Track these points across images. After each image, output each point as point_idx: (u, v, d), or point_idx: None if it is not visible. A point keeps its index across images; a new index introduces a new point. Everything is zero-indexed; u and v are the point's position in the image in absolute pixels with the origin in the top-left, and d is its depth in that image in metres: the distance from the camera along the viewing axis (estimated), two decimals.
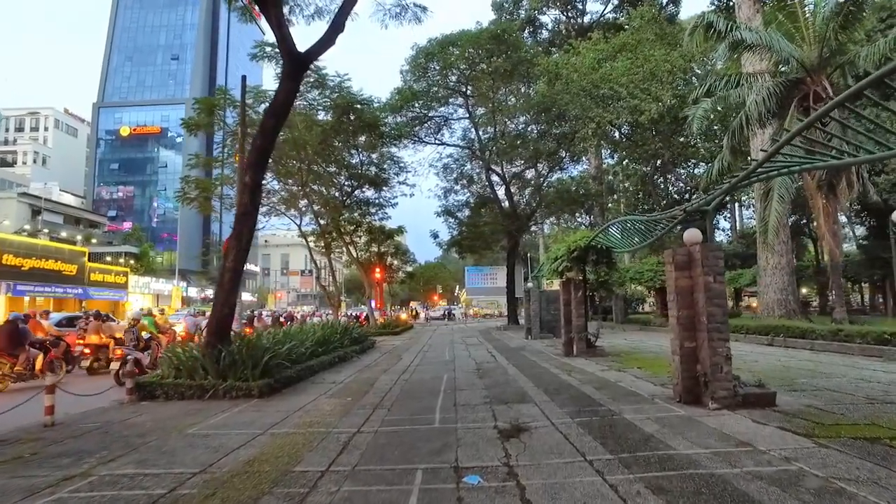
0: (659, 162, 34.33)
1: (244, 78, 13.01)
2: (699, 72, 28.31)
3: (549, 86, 28.35)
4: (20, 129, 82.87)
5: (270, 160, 22.08)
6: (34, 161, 78.11)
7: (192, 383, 8.72)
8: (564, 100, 26.67)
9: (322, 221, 25.01)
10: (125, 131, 77.00)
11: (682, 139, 32.26)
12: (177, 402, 8.41)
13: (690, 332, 6.85)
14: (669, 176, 36.07)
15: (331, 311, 45.38)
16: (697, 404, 6.59)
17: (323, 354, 12.96)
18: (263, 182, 23.13)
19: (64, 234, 39.41)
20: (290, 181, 22.36)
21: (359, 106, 19.68)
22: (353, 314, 38.16)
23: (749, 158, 13.15)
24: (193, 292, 68.98)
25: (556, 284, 36.48)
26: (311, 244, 27.15)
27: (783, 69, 17.48)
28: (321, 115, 20.30)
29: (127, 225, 73.13)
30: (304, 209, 24.05)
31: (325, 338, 13.87)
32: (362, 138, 23.93)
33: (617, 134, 37.33)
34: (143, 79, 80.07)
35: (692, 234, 7.14)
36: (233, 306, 9.57)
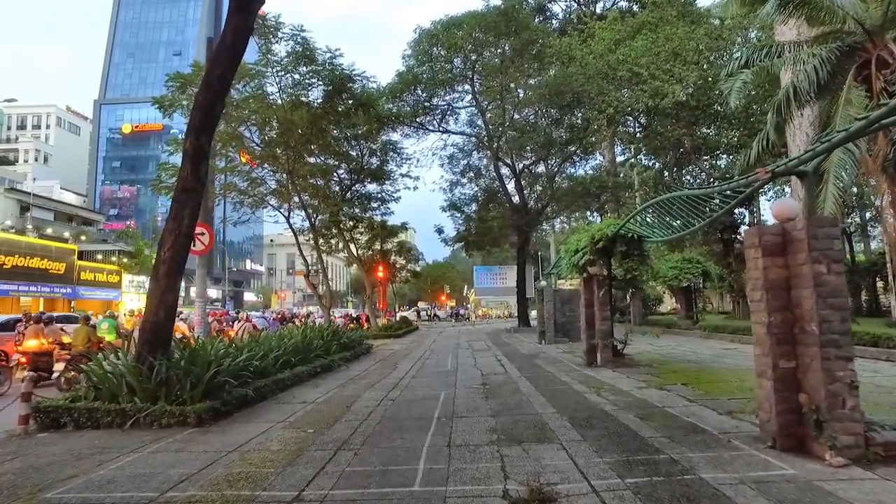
0: (680, 151, 32.09)
1: (210, 40, 11.02)
2: (727, 51, 25.95)
3: (563, 68, 26.15)
4: (22, 127, 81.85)
5: (255, 145, 20.37)
6: (36, 159, 76.99)
7: (111, 407, 6.72)
8: (579, 81, 24.45)
9: (311, 212, 22.91)
10: (127, 129, 75.58)
11: (705, 129, 30.05)
12: (87, 434, 6.42)
13: (788, 345, 4.72)
14: (690, 167, 33.71)
15: (344, 313, 43.57)
16: (804, 453, 4.46)
17: (300, 364, 10.93)
18: (251, 170, 21.34)
19: (50, 231, 37.72)
20: (275, 168, 20.34)
21: (351, 84, 17.56)
22: (354, 315, 36.16)
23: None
24: (194, 291, 67.60)
25: (572, 283, 34.18)
26: (304, 240, 25.12)
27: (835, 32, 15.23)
28: (313, 96, 18.26)
29: (131, 224, 71.71)
30: (293, 203, 22.01)
31: (306, 344, 11.83)
32: (360, 128, 21.86)
33: (633, 124, 35.20)
34: (145, 75, 78.55)
35: (786, 207, 5.02)
36: (171, 307, 7.55)
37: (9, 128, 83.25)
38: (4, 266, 30.02)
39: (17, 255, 30.86)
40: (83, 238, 36.06)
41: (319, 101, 18.40)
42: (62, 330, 13.37)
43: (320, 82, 17.61)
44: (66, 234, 38.41)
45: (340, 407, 7.79)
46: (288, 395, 8.94)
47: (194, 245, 11.26)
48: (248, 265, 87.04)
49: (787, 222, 4.90)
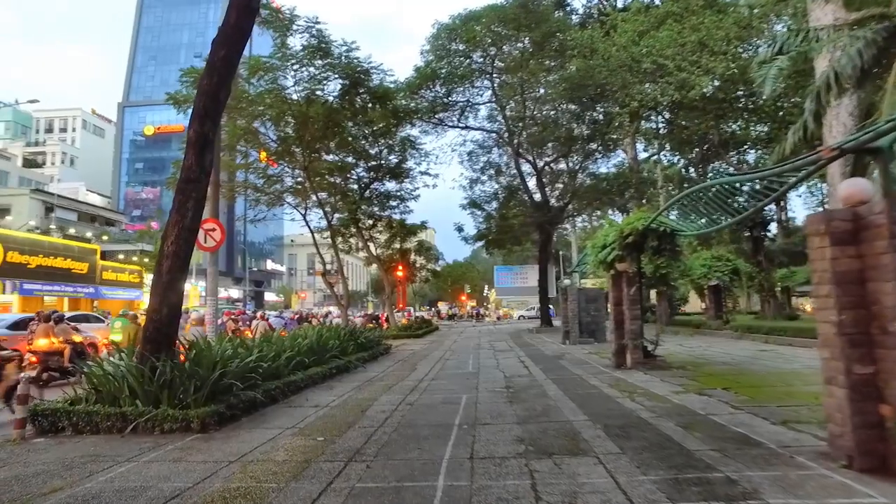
0: (706, 146, 31.05)
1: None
2: (757, 40, 24.93)
3: (585, 61, 25.36)
4: (49, 131, 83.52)
5: (270, 140, 19.97)
6: (62, 162, 78.55)
7: (111, 411, 6.32)
8: (602, 74, 23.68)
9: (328, 210, 22.48)
10: (149, 130, 76.41)
11: (732, 122, 29.00)
12: (85, 439, 6.02)
13: (864, 348, 4.08)
14: (717, 163, 32.61)
15: (362, 313, 43.27)
16: (890, 475, 3.82)
17: (315, 366, 10.49)
18: (266, 167, 20.96)
19: (72, 231, 38.09)
20: (292, 165, 19.95)
21: (367, 77, 17.03)
22: (374, 315, 35.79)
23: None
24: (220, 292, 68.01)
25: (597, 281, 33.33)
26: (321, 238, 24.75)
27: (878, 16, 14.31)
28: (329, 89, 17.79)
29: (155, 225, 72.53)
30: (310, 202, 21.59)
31: (321, 344, 11.39)
32: (378, 125, 21.33)
33: (657, 119, 34.19)
34: (166, 78, 79.11)
35: (857, 188, 4.38)
36: (175, 304, 7.14)
37: (37, 131, 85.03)
38: (29, 266, 30.29)
39: (40, 255, 31.11)
40: (105, 238, 36.27)
41: (335, 95, 17.97)
42: (75, 329, 13.17)
43: (336, 76, 17.18)
44: (89, 234, 38.72)
45: (354, 411, 7.31)
46: (300, 399, 8.49)
47: (205, 241, 10.93)
48: (269, 265, 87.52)
49: (860, 206, 4.25)
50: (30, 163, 74.55)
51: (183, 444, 5.73)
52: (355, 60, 16.84)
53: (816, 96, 13.76)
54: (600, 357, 13.60)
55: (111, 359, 7.34)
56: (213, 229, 10.87)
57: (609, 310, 12.03)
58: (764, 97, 16.21)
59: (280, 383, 8.42)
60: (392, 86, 20.25)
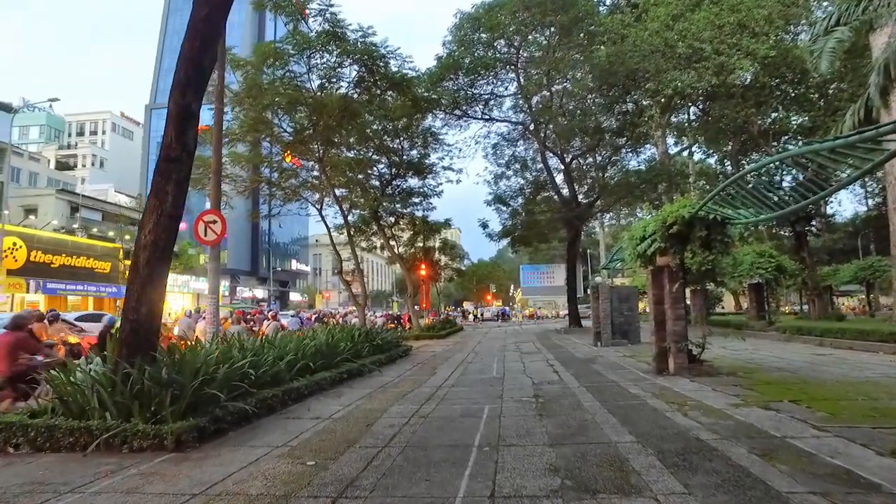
0: (743, 138, 29.27)
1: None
2: (803, 17, 23.26)
3: (615, 46, 23.98)
4: (80, 134, 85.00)
5: (283, 131, 19.04)
6: (92, 164, 79.81)
7: (74, 425, 5.44)
8: (634, 59, 22.30)
9: (346, 206, 21.60)
10: None
11: (773, 111, 27.26)
12: (40, 459, 5.16)
13: None
14: (755, 155, 30.74)
15: (382, 313, 42.42)
16: None
17: (323, 370, 9.56)
18: (281, 160, 20.00)
19: (95, 231, 38.13)
20: (306, 157, 19.09)
21: (381, 63, 15.98)
22: (396, 315, 34.92)
23: None
24: (245, 292, 68.19)
25: (631, 278, 31.75)
26: (341, 237, 23.91)
27: None
28: (344, 74, 16.77)
29: (183, 226, 73.00)
30: (325, 195, 20.70)
31: (330, 347, 10.45)
32: (396, 115, 20.29)
33: (688, 112, 32.51)
34: None
35: None
36: (154, 303, 6.24)
37: (69, 135, 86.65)
38: (52, 265, 30.27)
39: (63, 255, 31.09)
40: (126, 237, 36.18)
41: (350, 81, 16.99)
42: (79, 330, 12.56)
43: (351, 62, 16.22)
44: (111, 234, 38.76)
45: (359, 426, 6.32)
46: (301, 408, 7.55)
47: (205, 234, 10.10)
48: (294, 265, 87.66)
49: None
50: (63, 165, 75.85)
51: (150, 466, 4.81)
52: (372, 46, 15.84)
53: (884, 68, 12.33)
54: (637, 361, 12.40)
55: (87, 365, 6.49)
56: (214, 221, 10.03)
57: (647, 309, 10.81)
58: (821, 71, 14.65)
59: (279, 391, 7.49)
60: (411, 73, 19.17)
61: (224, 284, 57.69)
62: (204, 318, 15.16)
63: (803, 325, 17.23)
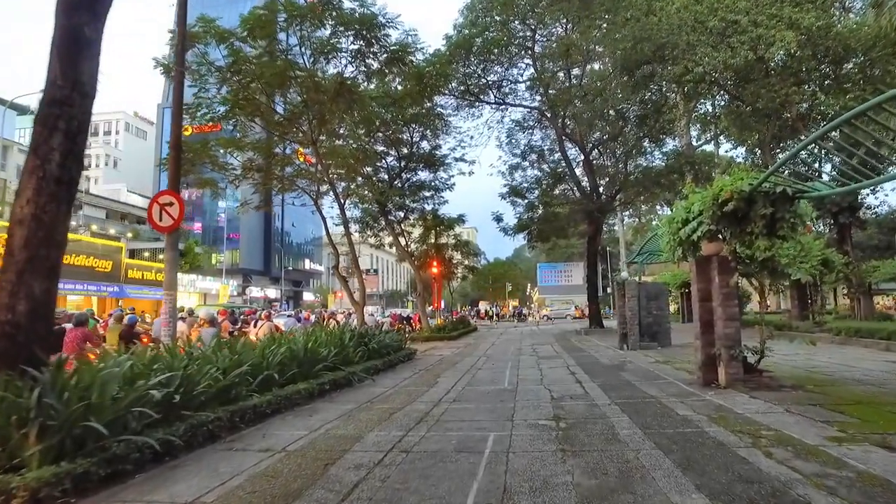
0: (778, 123, 27.01)
1: None
2: None
3: (639, 22, 22.00)
4: (94, 134, 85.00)
5: (277, 113, 17.40)
6: (106, 164, 79.76)
7: None
8: (662, 33, 20.31)
9: (344, 196, 19.94)
10: (187, 131, 76.40)
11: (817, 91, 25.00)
12: None
13: None
14: (791, 141, 28.42)
15: (391, 312, 40.70)
16: None
17: (300, 380, 7.91)
18: (269, 143, 18.36)
19: (95, 228, 37.13)
20: (297, 139, 17.49)
21: (381, 31, 14.24)
22: (406, 315, 33.23)
23: None
24: (256, 292, 67.20)
25: (661, 274, 29.51)
26: (337, 226, 22.34)
27: None
28: (342, 47, 15.11)
29: (197, 226, 72.29)
30: (319, 180, 19.05)
31: (309, 353, 8.77)
32: (400, 99, 18.56)
33: (717, 97, 30.34)
34: None
35: None
36: (41, 298, 4.60)
37: None
38: None
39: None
40: (129, 235, 35.09)
41: (346, 52, 15.27)
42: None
43: (349, 32, 14.50)
44: (112, 231, 37.74)
45: (315, 465, 4.63)
46: (255, 434, 5.87)
47: (160, 219, 8.50)
48: (308, 265, 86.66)
49: None
50: None
51: None
52: (368, 13, 14.09)
53: None
54: (674, 368, 10.57)
55: None
56: (171, 203, 8.43)
57: (694, 307, 8.96)
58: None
59: (227, 412, 5.84)
60: (413, 43, 17.19)
61: (233, 283, 56.72)
62: (184, 319, 13.68)
63: (863, 327, 15.14)
